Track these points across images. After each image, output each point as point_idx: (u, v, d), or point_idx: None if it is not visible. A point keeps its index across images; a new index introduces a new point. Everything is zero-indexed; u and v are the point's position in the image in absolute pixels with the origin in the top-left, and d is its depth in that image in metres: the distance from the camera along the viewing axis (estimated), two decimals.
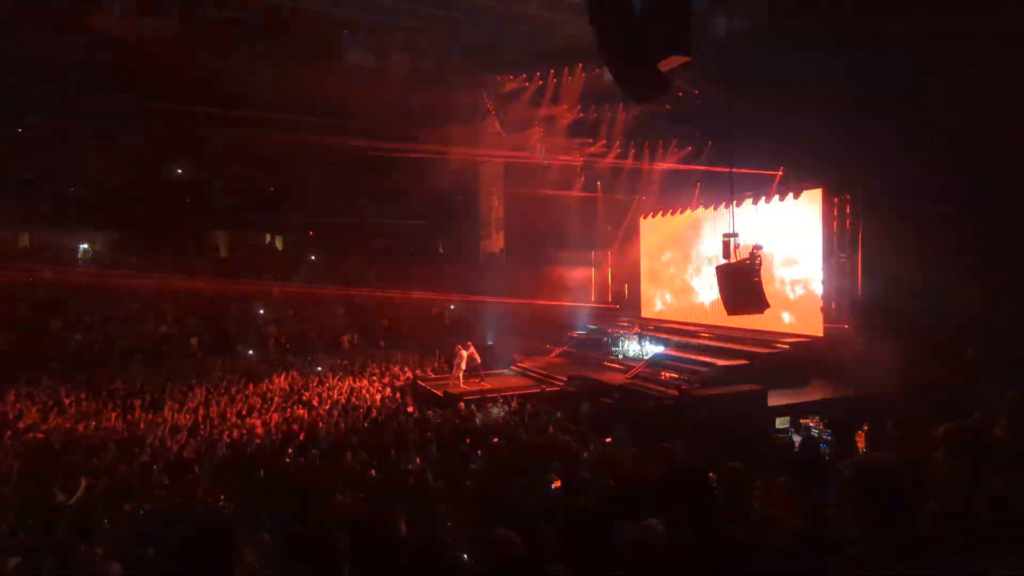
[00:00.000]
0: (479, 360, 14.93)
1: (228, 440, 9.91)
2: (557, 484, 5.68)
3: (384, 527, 2.14)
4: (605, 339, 17.02)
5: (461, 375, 14.76)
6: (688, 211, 17.55)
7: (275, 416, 11.55)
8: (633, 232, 20.13)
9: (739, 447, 8.20)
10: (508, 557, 2.27)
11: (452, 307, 23.03)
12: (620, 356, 15.88)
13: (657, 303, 19.33)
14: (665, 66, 5.60)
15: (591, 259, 21.43)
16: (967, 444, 2.37)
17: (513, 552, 2.29)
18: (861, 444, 8.90)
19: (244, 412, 11.98)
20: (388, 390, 14.24)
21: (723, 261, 10.25)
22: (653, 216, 19.29)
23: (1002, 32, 9.58)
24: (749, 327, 14.28)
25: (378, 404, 12.72)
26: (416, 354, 18.50)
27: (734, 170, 12.30)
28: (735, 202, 15.14)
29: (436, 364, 17.10)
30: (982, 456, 2.37)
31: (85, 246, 22.67)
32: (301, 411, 11.98)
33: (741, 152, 13.45)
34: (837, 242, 13.02)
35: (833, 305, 13.12)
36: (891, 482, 1.93)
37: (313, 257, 25.49)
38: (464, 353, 14.75)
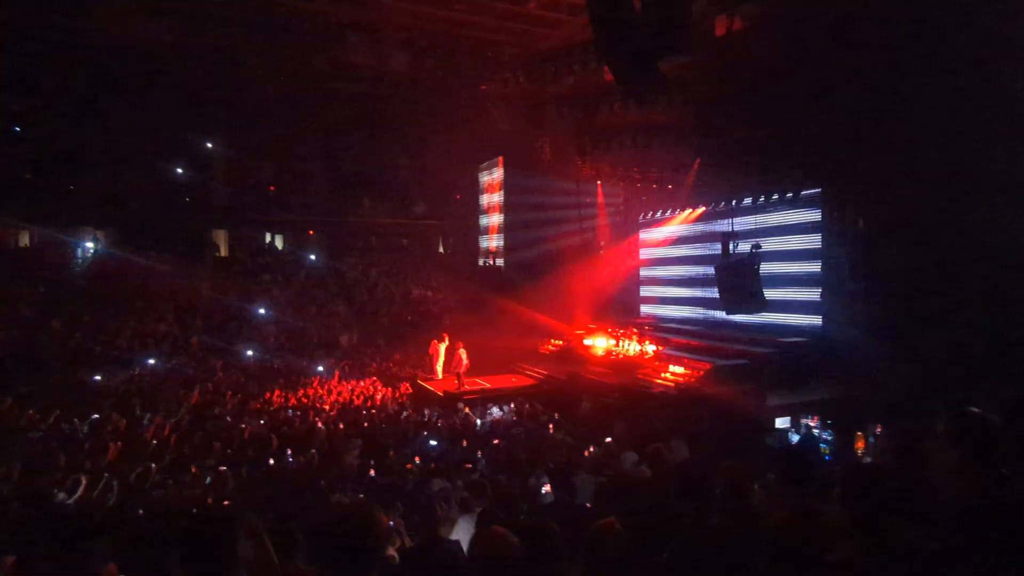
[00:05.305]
0: (465, 363, 14.17)
1: (228, 440, 9.90)
2: (547, 488, 5.68)
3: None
4: (606, 339, 17.00)
5: (438, 368, 14.71)
6: (688, 210, 17.53)
7: (275, 416, 11.54)
8: (632, 231, 20.11)
9: (739, 447, 8.22)
10: (506, 557, 2.26)
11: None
12: (620, 356, 15.86)
13: (656, 303, 19.32)
14: (664, 65, 5.61)
15: (590, 259, 21.40)
16: (969, 432, 2.37)
17: (511, 552, 2.28)
18: (861, 444, 8.90)
19: (244, 412, 11.97)
20: (388, 390, 14.22)
21: (722, 261, 10.26)
22: (653, 215, 19.27)
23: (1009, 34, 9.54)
24: (749, 327, 14.29)
25: (378, 404, 12.71)
26: (416, 353, 18.44)
27: (734, 170, 12.30)
28: (734, 201, 15.12)
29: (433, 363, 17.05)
30: (987, 445, 2.36)
31: (87, 244, 22.62)
32: (301, 411, 11.96)
33: (741, 151, 13.42)
34: (837, 242, 13.00)
35: (833, 305, 13.09)
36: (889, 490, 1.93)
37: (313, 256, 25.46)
38: (441, 347, 14.69)
